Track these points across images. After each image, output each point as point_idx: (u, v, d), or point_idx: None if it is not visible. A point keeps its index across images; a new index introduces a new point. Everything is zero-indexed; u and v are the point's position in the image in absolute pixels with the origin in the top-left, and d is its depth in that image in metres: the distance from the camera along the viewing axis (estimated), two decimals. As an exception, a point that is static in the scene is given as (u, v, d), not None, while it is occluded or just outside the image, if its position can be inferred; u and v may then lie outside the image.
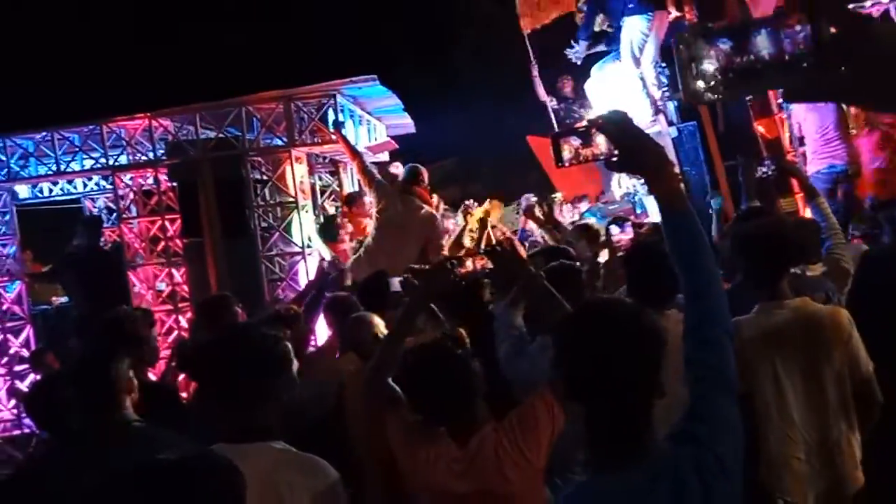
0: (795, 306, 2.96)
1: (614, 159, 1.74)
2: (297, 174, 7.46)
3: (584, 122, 1.73)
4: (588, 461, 1.74)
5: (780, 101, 7.70)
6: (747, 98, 8.28)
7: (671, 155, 7.43)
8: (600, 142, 1.85)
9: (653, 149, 1.70)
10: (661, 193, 1.69)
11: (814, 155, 7.26)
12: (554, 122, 9.50)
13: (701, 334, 1.66)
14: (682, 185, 1.74)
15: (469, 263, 6.33)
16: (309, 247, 7.45)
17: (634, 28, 7.59)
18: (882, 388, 2.92)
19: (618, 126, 1.69)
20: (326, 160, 8.82)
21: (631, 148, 1.69)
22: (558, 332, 1.72)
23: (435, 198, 7.79)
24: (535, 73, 9.57)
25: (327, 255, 7.65)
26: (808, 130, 7.31)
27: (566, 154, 1.91)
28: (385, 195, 6.66)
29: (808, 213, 5.16)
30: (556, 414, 2.42)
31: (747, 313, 3.01)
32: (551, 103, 9.53)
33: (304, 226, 7.44)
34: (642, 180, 9.22)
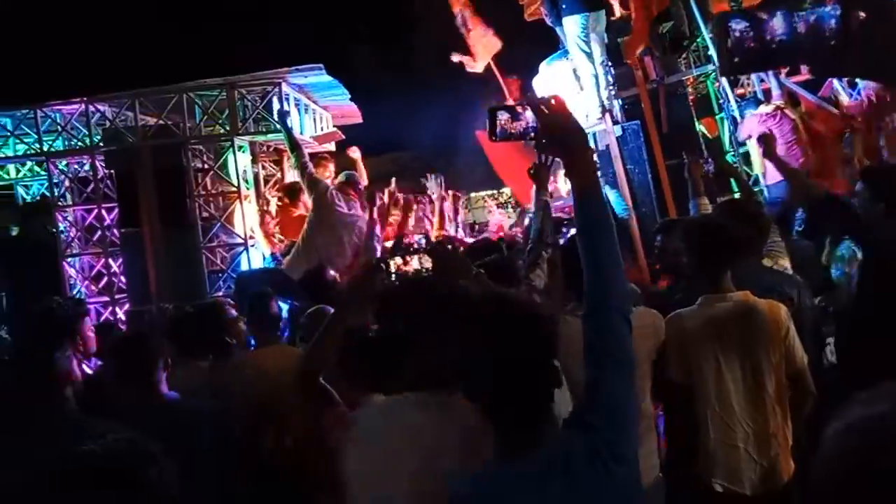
0: (737, 299, 3.04)
1: (543, 140, 1.80)
2: (239, 163, 7.32)
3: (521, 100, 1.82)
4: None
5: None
6: (690, 99, 8.50)
7: (615, 153, 7.54)
8: (528, 116, 1.89)
9: (576, 134, 1.75)
10: (577, 177, 1.74)
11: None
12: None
13: (600, 318, 1.69)
14: (597, 173, 1.80)
15: (415, 262, 6.23)
16: (251, 237, 7.32)
17: (573, 27, 7.66)
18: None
19: (548, 106, 1.75)
20: (270, 149, 8.68)
21: (555, 129, 1.75)
22: (456, 339, 1.73)
23: (393, 182, 7.77)
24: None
25: (266, 250, 7.53)
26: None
27: (498, 128, 1.95)
28: (325, 192, 6.54)
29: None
30: None
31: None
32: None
33: (246, 216, 7.31)
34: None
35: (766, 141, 4.72)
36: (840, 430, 0.93)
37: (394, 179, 7.46)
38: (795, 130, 7.59)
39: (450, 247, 2.71)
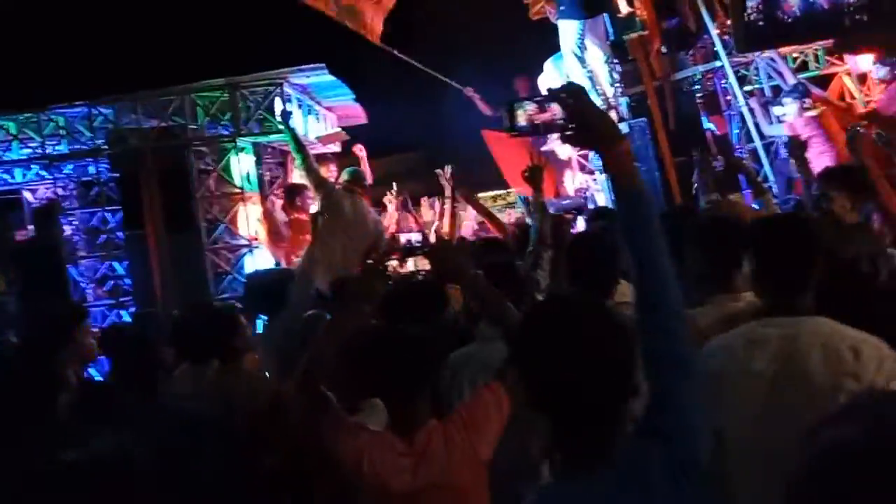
0: (750, 299, 2.95)
1: (568, 133, 1.68)
2: (243, 165, 7.29)
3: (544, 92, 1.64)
4: (554, 464, 1.62)
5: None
6: (698, 96, 8.42)
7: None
8: (555, 108, 1.75)
9: (607, 125, 1.65)
10: (615, 171, 1.63)
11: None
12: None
13: (656, 322, 1.55)
14: (636, 164, 1.66)
15: (410, 263, 6.19)
16: (255, 239, 7.28)
17: (568, 31, 7.61)
18: None
19: (574, 98, 1.64)
20: (274, 151, 8.64)
21: (585, 122, 1.64)
22: (517, 340, 1.63)
23: (395, 187, 7.75)
24: (470, 93, 9.54)
25: (272, 257, 7.47)
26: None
27: (520, 120, 1.80)
28: (333, 195, 6.50)
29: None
30: (505, 408, 2.37)
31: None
32: (496, 113, 9.50)
33: (250, 218, 7.27)
34: (594, 176, 9.28)
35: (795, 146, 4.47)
36: (812, 454, 0.86)
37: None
38: (829, 137, 7.38)
39: (448, 247, 2.62)
